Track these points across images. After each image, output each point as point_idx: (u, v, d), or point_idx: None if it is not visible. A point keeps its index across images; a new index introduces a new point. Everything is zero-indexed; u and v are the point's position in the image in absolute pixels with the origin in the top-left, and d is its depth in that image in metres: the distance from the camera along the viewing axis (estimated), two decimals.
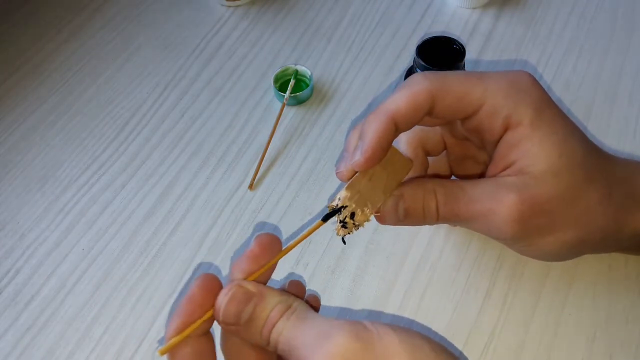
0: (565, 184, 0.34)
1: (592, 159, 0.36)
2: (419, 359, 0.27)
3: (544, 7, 0.62)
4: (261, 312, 0.29)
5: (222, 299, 0.29)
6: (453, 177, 0.42)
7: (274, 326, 0.29)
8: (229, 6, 0.65)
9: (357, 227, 0.34)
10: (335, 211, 0.34)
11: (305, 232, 0.33)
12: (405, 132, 0.38)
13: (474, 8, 0.62)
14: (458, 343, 0.41)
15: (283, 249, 0.32)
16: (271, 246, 0.32)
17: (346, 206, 0.34)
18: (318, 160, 0.52)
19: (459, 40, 0.50)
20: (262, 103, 0.56)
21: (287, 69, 0.57)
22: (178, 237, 0.48)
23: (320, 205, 0.49)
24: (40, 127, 0.56)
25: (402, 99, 0.34)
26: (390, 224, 0.37)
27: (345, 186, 0.34)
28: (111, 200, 0.50)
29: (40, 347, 0.43)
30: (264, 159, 0.52)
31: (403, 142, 0.39)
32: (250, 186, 0.50)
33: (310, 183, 0.50)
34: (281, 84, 0.57)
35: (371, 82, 0.57)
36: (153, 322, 0.44)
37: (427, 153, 0.40)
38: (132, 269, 0.46)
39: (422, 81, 0.34)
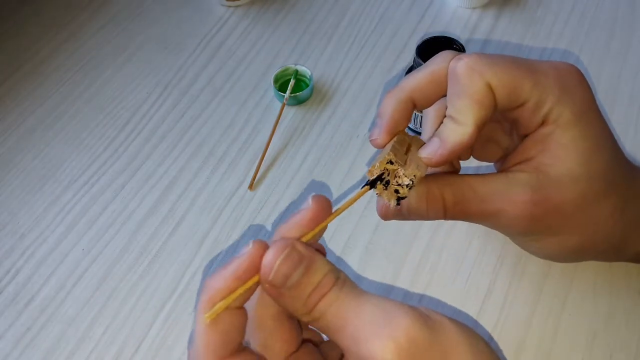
0: (581, 192, 0.34)
1: (614, 171, 0.35)
2: (478, 352, 0.26)
3: (544, 7, 0.62)
4: (310, 279, 0.26)
5: (276, 257, 0.26)
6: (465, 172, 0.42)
7: (323, 296, 0.26)
8: (229, 6, 0.65)
9: (408, 188, 0.32)
10: (380, 176, 0.32)
11: (351, 197, 0.31)
12: (433, 107, 0.37)
13: (474, 8, 0.62)
14: None
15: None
16: (326, 208, 0.28)
17: (386, 171, 0.32)
18: (318, 160, 0.52)
19: (459, 40, 0.50)
20: (262, 103, 0.56)
21: (287, 69, 0.57)
22: (178, 237, 0.48)
23: None
24: (40, 127, 0.56)
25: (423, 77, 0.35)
26: (394, 219, 0.37)
27: (386, 151, 0.33)
28: (111, 200, 0.50)
29: (40, 347, 0.43)
30: (264, 159, 0.52)
31: (431, 116, 0.38)
32: (250, 186, 0.50)
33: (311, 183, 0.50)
34: (281, 84, 0.57)
35: (371, 82, 0.57)
36: (153, 322, 0.44)
37: None
38: (132, 269, 0.46)
39: (475, 73, 0.33)
